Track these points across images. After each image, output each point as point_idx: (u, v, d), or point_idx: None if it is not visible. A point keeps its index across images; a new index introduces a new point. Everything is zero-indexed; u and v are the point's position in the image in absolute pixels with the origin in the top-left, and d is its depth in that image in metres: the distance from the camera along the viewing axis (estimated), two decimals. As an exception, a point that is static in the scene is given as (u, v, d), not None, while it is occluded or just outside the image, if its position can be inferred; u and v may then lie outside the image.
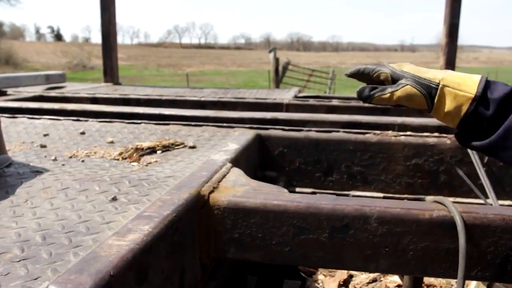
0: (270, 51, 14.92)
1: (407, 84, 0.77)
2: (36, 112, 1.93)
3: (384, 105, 0.80)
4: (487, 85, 0.74)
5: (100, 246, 0.57)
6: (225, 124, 1.58)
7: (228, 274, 1.06)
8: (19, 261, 0.55)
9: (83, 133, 1.51)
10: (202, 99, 2.55)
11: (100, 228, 0.66)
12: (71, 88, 3.21)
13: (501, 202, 1.35)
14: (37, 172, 1.00)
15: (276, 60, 14.63)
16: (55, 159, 1.16)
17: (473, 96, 0.73)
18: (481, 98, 0.73)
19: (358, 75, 0.84)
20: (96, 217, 0.71)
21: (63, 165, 1.10)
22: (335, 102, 2.47)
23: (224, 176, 0.93)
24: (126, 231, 0.62)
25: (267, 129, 1.51)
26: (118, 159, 1.18)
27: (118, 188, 0.86)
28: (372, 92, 0.79)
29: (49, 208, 0.75)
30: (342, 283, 1.08)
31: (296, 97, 2.80)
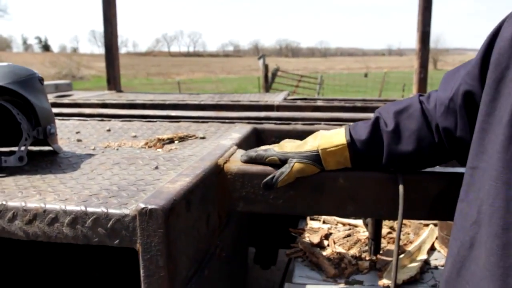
0: (259, 58, 15.28)
1: (295, 162, 1.01)
2: (64, 115, 2.23)
3: (286, 183, 1.02)
4: (352, 131, 1.00)
5: (161, 187, 0.88)
6: (227, 121, 1.90)
7: (236, 232, 1.38)
8: (110, 197, 0.87)
9: (109, 130, 1.82)
10: (202, 102, 2.87)
11: (154, 183, 0.97)
12: (79, 96, 3.50)
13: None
14: (89, 154, 1.31)
15: (266, 66, 14.98)
16: (94, 149, 1.47)
17: (345, 143, 0.98)
18: (352, 142, 0.98)
19: (252, 160, 1.08)
20: (148, 177, 1.02)
21: (103, 152, 1.41)
22: (320, 103, 2.80)
23: (232, 154, 1.25)
24: (174, 181, 0.93)
25: (262, 123, 1.83)
26: (144, 148, 1.49)
27: (157, 162, 1.17)
28: (274, 180, 1.03)
29: (111, 174, 1.07)
30: (323, 237, 1.40)
31: (285, 99, 3.13)
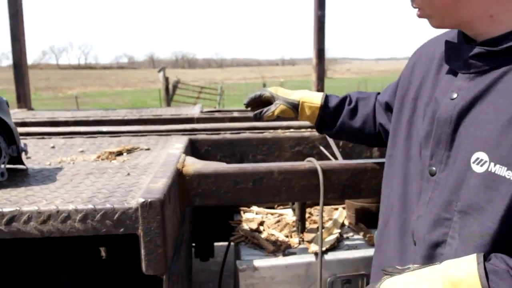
0: (159, 71, 15.29)
1: (281, 104, 1.34)
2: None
3: (270, 118, 1.35)
4: (327, 98, 1.37)
5: (148, 187, 1.13)
6: (163, 133, 2.14)
7: (188, 226, 1.63)
8: (108, 197, 1.09)
9: (53, 147, 1.95)
10: (126, 118, 3.04)
11: (135, 185, 1.21)
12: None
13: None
14: (55, 168, 1.48)
15: (166, 79, 15.04)
16: (50, 164, 1.62)
17: (319, 105, 1.34)
18: (325, 106, 1.34)
19: (252, 100, 1.38)
20: (127, 182, 1.25)
21: (62, 166, 1.57)
22: (235, 114, 3.13)
23: (184, 160, 1.51)
24: (155, 181, 1.18)
25: (195, 134, 2.11)
26: (98, 160, 1.68)
27: (125, 170, 1.40)
28: (261, 114, 1.36)
29: (91, 183, 1.28)
30: (259, 224, 1.71)
31: (202, 112, 3.41)
